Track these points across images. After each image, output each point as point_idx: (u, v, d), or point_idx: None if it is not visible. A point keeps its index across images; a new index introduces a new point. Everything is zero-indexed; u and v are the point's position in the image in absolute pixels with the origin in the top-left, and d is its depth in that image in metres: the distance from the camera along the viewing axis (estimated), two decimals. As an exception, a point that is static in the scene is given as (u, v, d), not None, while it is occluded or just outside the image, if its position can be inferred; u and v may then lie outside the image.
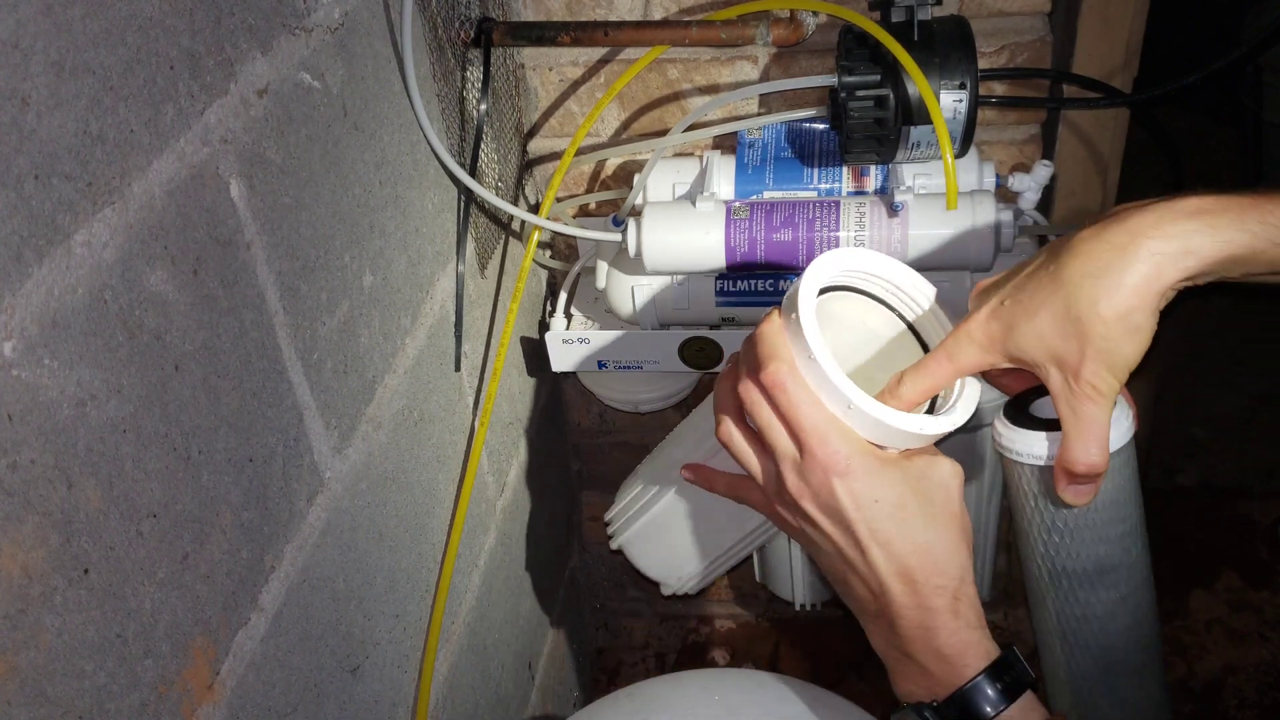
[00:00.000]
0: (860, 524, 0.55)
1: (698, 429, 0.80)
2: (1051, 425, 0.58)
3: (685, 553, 0.86)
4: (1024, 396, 0.61)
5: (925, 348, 0.62)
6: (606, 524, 0.90)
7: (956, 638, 0.56)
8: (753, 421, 0.58)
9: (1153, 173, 2.46)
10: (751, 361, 0.57)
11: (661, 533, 0.85)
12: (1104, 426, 0.54)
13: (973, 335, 0.56)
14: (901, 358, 0.61)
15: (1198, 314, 1.87)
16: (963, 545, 0.57)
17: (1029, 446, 0.58)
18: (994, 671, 0.56)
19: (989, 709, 0.55)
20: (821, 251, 0.84)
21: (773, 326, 0.57)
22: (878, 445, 0.57)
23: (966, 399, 0.59)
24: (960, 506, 0.58)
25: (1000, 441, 0.60)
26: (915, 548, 0.56)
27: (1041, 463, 0.58)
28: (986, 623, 0.58)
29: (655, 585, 0.91)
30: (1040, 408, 0.60)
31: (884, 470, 0.55)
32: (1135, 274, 0.51)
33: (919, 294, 0.61)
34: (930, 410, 0.60)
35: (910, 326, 0.63)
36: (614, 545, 0.88)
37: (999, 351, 0.56)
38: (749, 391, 0.57)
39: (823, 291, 0.59)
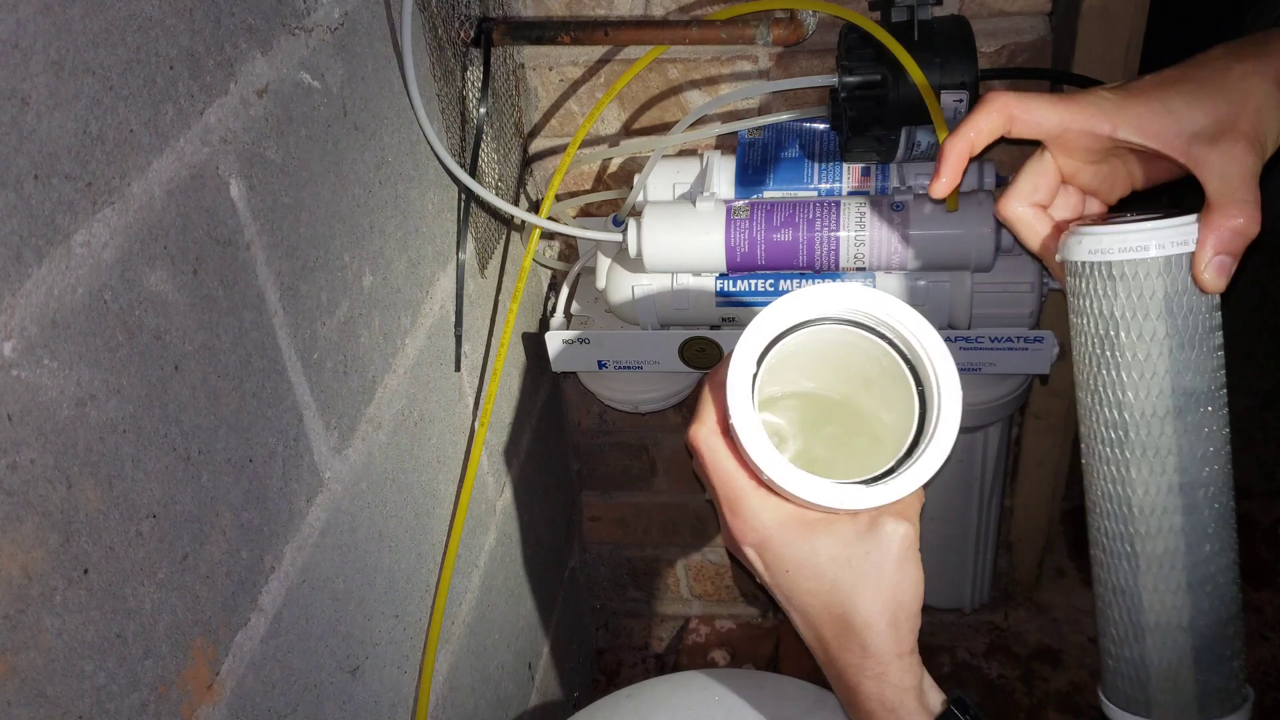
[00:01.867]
0: (776, 589, 0.56)
1: None
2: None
3: None
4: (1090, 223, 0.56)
5: (919, 383, 0.57)
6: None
7: (880, 700, 0.54)
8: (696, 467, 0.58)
9: (1153, 173, 2.43)
10: (693, 412, 0.57)
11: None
12: (1256, 188, 0.52)
13: (1087, 103, 0.54)
14: (894, 390, 0.58)
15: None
16: (892, 617, 0.54)
17: (1167, 236, 0.53)
18: None
19: None
20: (820, 251, 0.85)
21: (715, 380, 0.56)
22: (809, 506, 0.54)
23: (919, 469, 0.54)
24: (897, 571, 0.55)
25: (1112, 247, 0.54)
26: (832, 618, 0.54)
27: (1185, 249, 0.53)
28: (927, 679, 0.56)
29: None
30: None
31: (801, 539, 0.54)
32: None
33: (907, 324, 0.56)
34: (908, 455, 0.55)
35: (906, 360, 0.58)
36: None
37: (1112, 121, 0.54)
38: (688, 440, 0.57)
39: (816, 323, 0.56)
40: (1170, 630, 0.59)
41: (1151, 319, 0.55)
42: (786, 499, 0.55)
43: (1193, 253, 0.54)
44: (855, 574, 0.54)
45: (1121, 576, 0.60)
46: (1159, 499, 0.58)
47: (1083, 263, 0.57)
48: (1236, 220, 0.52)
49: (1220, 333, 0.57)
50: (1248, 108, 0.52)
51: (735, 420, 0.52)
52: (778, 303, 0.55)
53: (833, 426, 0.63)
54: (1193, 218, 0.54)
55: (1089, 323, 0.57)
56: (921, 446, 0.55)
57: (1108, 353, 0.57)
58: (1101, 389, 0.58)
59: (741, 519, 0.54)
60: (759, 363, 0.55)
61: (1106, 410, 0.58)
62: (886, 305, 0.55)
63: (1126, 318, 0.56)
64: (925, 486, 0.55)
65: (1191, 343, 0.56)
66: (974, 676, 1.29)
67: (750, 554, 0.55)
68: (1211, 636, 0.59)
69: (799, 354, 0.57)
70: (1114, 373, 0.57)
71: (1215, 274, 0.53)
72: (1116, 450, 0.58)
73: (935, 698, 0.56)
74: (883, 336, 0.57)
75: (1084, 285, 0.57)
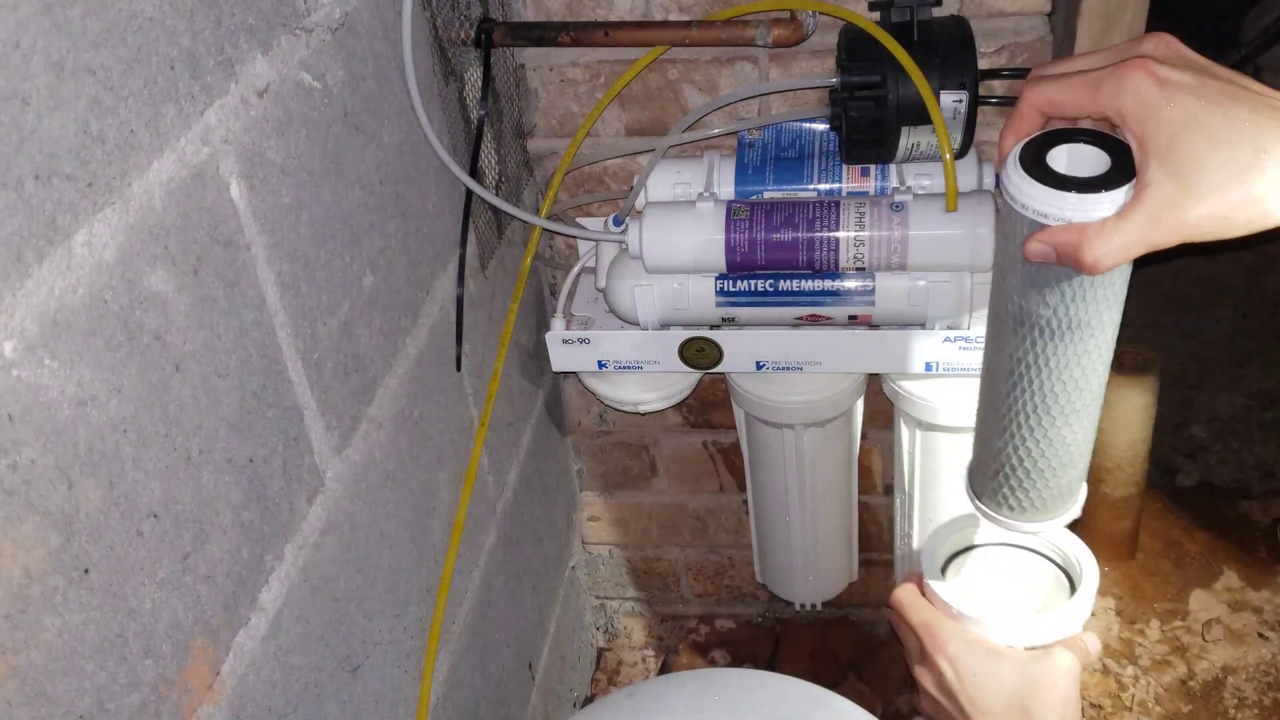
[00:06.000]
0: (961, 694, 0.67)
1: None
2: (1071, 183, 0.51)
3: None
4: (1037, 145, 0.54)
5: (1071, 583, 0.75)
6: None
7: None
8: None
9: (1153, 173, 2.42)
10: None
11: None
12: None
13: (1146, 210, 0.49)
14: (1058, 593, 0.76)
15: (1200, 314, 1.87)
16: (1062, 713, 0.66)
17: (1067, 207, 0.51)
18: None
19: None
20: (820, 251, 0.85)
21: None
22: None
23: (1074, 611, 0.70)
24: (1065, 696, 0.66)
25: (1029, 197, 0.52)
26: (1015, 716, 0.65)
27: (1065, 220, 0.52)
28: None
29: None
30: (1055, 160, 0.53)
31: (986, 655, 0.67)
32: None
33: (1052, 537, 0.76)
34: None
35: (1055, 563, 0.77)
36: None
37: (1172, 233, 0.49)
38: (892, 600, 0.75)
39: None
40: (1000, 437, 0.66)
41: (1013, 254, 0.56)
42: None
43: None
44: (1034, 688, 0.66)
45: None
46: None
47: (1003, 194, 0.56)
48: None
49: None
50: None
51: (929, 580, 0.72)
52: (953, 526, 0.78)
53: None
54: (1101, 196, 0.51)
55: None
56: (1074, 599, 0.72)
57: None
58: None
59: (937, 636, 0.68)
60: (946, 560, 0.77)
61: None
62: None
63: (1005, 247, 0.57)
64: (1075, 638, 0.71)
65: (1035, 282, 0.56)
66: (974, 676, 1.29)
67: (941, 662, 0.68)
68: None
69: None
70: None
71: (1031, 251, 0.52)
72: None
73: None
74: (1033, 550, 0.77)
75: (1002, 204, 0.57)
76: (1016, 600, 0.77)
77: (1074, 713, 0.67)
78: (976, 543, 0.78)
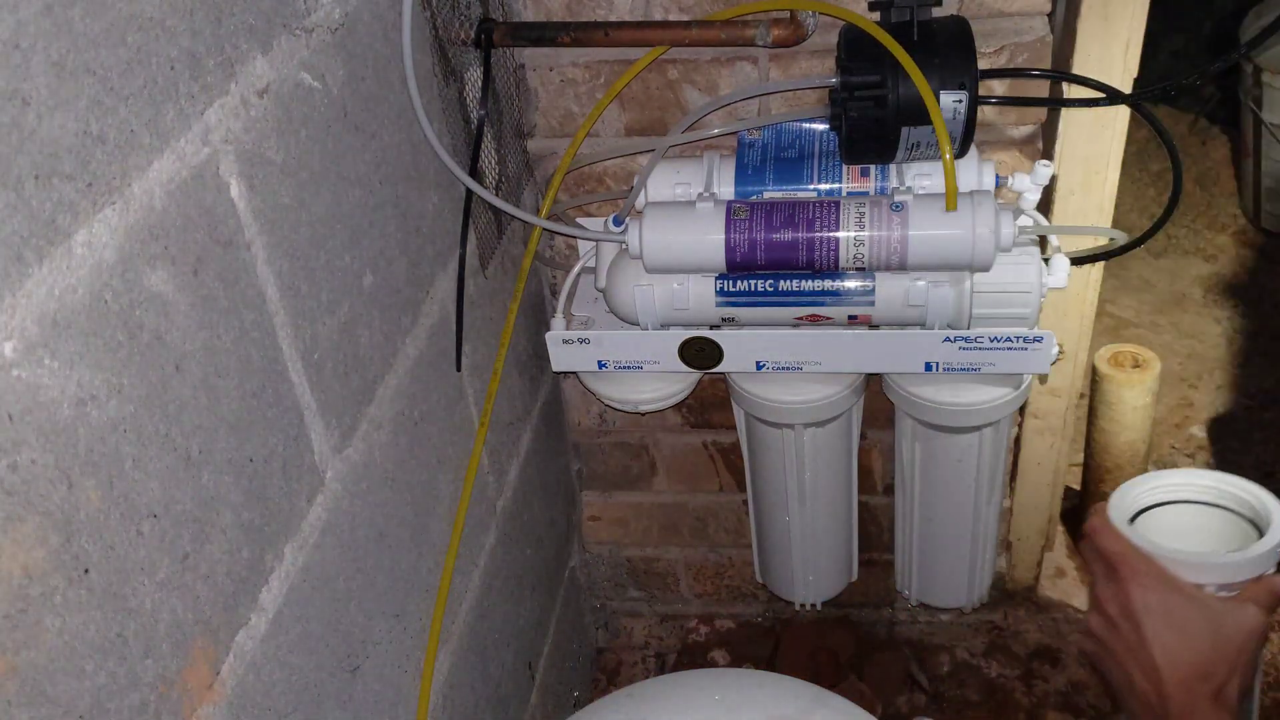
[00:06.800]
0: (1146, 626, 0.67)
1: None
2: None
3: None
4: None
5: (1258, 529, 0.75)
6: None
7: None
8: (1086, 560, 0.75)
9: (1153, 172, 2.46)
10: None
11: None
12: None
13: None
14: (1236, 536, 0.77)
15: (1200, 314, 1.87)
16: (1235, 665, 0.66)
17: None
18: None
19: None
20: (820, 251, 0.85)
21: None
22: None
23: (1265, 550, 0.70)
24: (1243, 646, 0.67)
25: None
26: (1192, 657, 0.66)
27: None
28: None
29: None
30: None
31: (1178, 592, 0.68)
32: None
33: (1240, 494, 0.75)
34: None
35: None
36: None
37: None
38: (1086, 528, 0.74)
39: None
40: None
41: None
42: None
43: None
44: (1217, 632, 0.67)
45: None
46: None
47: None
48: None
49: None
50: None
51: (1115, 519, 0.72)
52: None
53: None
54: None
55: None
56: (1264, 538, 0.72)
57: None
58: None
59: (1133, 565, 0.68)
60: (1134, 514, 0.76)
61: None
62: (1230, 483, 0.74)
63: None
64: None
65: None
66: (974, 676, 1.29)
67: (1134, 592, 0.68)
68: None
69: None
70: None
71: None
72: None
73: None
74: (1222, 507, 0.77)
75: None
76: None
77: (1250, 668, 0.68)
78: (1162, 500, 0.78)
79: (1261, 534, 0.74)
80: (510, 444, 1.02)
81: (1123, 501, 0.76)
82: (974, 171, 0.88)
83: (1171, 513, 0.78)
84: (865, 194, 0.89)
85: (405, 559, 0.77)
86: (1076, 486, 1.44)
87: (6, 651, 0.40)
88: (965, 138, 0.82)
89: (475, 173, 0.85)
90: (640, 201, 0.93)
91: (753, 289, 0.88)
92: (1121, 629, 0.70)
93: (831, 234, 0.84)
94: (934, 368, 0.91)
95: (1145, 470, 1.35)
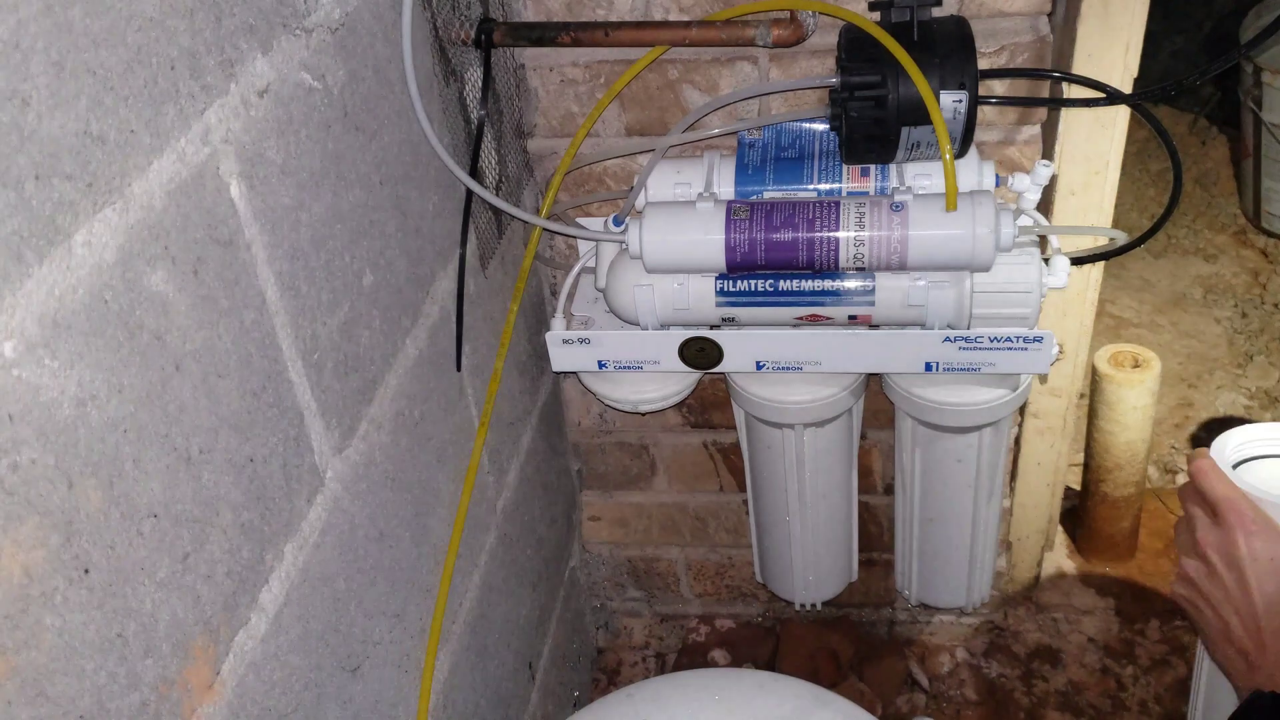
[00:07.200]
0: (1250, 572, 0.66)
1: None
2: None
3: None
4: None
5: None
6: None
7: None
8: (1185, 502, 0.73)
9: (1153, 172, 2.46)
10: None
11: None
12: None
13: None
14: None
15: (1200, 314, 1.87)
16: None
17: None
18: None
19: None
20: (820, 251, 0.85)
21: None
22: None
23: None
24: None
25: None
26: None
27: None
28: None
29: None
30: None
31: None
32: None
33: None
34: None
35: None
36: None
37: None
38: (1192, 468, 0.73)
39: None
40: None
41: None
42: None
43: None
44: None
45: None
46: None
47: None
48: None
49: None
50: None
51: (1221, 466, 0.71)
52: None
53: None
54: None
55: None
56: None
57: None
58: None
59: (1243, 512, 0.67)
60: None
61: None
62: None
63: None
64: None
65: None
66: (974, 676, 1.30)
67: (1240, 538, 0.67)
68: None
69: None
70: None
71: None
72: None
73: None
74: None
75: None
76: None
77: None
78: (1261, 454, 0.77)
79: None
80: (510, 444, 1.02)
81: (1223, 450, 0.75)
82: (974, 171, 0.88)
83: (1268, 466, 0.76)
84: (865, 194, 0.89)
85: (405, 559, 0.77)
86: (1076, 486, 1.44)
87: (6, 651, 0.40)
88: (965, 138, 0.82)
89: (475, 173, 0.85)
90: (640, 201, 0.93)
91: (753, 289, 0.88)
92: (1223, 575, 0.68)
93: (831, 234, 0.84)
94: (934, 368, 0.91)
95: (1145, 470, 1.35)
